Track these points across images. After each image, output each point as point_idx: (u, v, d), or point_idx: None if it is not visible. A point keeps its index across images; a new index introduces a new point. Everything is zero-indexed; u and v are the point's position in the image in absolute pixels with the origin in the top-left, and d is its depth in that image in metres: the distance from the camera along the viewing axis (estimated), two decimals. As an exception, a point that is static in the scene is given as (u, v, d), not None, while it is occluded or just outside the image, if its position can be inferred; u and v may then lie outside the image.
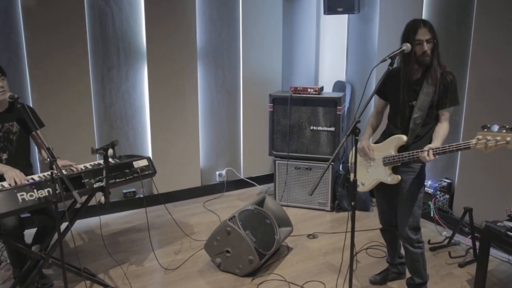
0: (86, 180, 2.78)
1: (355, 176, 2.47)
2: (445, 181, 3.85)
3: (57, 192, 2.39)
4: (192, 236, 3.81)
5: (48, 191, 2.60)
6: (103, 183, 2.82)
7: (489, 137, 2.21)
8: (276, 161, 4.38)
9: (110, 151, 2.75)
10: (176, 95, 4.36)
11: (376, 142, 2.85)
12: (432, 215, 3.89)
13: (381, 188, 2.80)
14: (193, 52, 4.38)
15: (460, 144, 2.33)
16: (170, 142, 4.40)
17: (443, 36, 3.83)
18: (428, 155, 2.40)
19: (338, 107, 4.11)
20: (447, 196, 3.83)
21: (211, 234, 3.27)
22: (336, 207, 4.33)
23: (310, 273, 3.24)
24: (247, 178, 4.93)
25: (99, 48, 3.99)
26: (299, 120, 4.27)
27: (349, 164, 3.02)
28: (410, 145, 2.64)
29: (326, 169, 2.46)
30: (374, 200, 4.38)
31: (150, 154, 4.32)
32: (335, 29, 4.81)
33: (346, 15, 4.68)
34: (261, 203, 3.62)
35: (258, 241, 3.18)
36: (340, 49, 4.80)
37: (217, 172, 4.80)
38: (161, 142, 4.36)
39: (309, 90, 4.19)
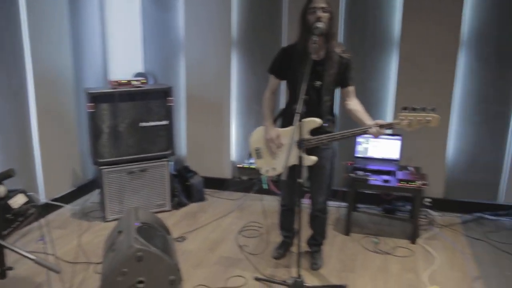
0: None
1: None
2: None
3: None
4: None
5: None
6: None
7: (411, 117, 2.54)
8: (103, 170, 3.69)
9: (2, 189, 1.79)
10: None
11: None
12: (266, 187, 4.22)
13: (289, 170, 2.75)
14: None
15: (392, 122, 2.64)
16: None
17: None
18: (378, 130, 2.58)
19: (169, 98, 3.82)
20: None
21: (109, 270, 2.55)
22: (176, 204, 4.06)
23: (219, 272, 3.04)
24: (52, 200, 3.92)
25: None
26: (127, 118, 3.72)
27: (254, 149, 2.98)
28: (322, 126, 2.76)
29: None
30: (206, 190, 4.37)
31: None
32: (126, 17, 4.38)
33: (138, 1, 4.34)
34: (136, 217, 3.04)
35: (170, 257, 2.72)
36: (134, 38, 4.41)
37: (15, 202, 3.61)
38: None
39: (133, 82, 3.71)
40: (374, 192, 4.05)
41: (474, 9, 3.73)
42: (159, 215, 3.85)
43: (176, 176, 4.30)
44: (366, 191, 4.04)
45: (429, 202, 3.86)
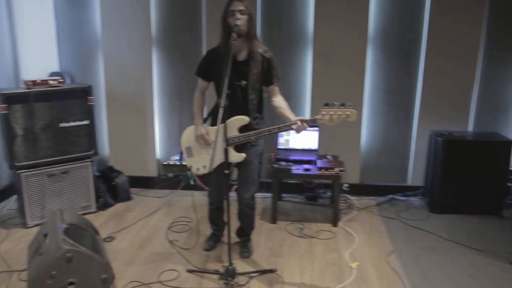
0: None
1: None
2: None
3: None
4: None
5: None
6: None
7: (331, 112, 2.68)
8: (21, 174, 3.51)
9: None
10: None
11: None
12: (193, 183, 4.26)
13: (217, 169, 2.85)
14: None
15: (315, 118, 2.71)
16: None
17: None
18: (302, 125, 2.68)
19: (89, 97, 3.73)
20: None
21: (36, 275, 2.47)
22: (102, 205, 3.97)
23: (151, 268, 3.04)
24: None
25: None
26: (44, 119, 3.57)
27: (185, 148, 3.02)
28: (250, 124, 2.87)
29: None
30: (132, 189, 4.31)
31: None
32: (37, 14, 4.17)
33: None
34: (62, 218, 2.94)
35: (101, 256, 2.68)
36: (47, 36, 4.22)
37: None
38: None
39: (50, 82, 3.56)
40: (297, 182, 4.27)
41: (378, 9, 4.07)
42: (88, 217, 3.78)
43: (100, 177, 4.20)
44: (289, 181, 4.26)
45: (347, 188, 4.16)
